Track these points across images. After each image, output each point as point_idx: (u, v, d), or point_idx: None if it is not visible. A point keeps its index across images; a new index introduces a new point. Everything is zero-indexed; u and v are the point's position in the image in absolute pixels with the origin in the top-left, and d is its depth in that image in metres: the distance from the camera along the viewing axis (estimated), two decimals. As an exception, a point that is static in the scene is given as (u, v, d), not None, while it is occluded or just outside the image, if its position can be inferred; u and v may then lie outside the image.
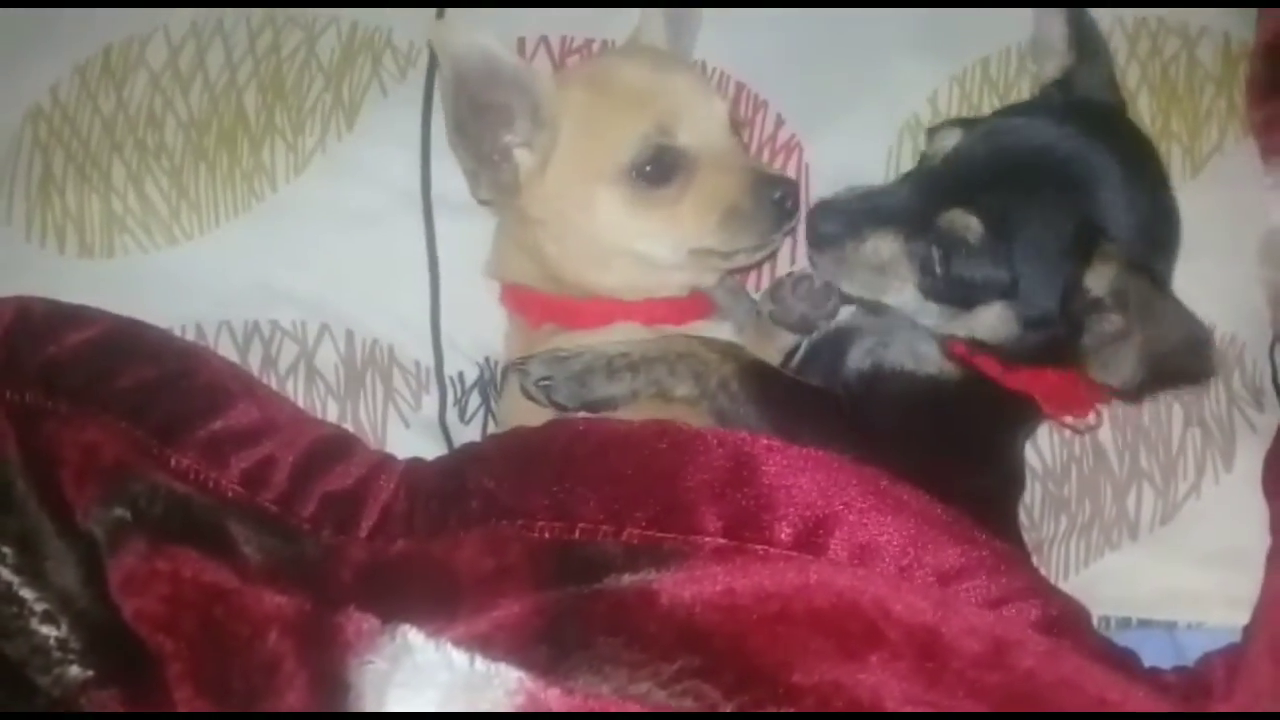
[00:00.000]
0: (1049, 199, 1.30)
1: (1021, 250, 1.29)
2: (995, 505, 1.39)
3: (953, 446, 1.35)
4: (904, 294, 1.38)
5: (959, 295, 1.34)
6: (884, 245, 1.35)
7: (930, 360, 1.40)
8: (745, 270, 1.57)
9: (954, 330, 1.39)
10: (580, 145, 1.41)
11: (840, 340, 1.47)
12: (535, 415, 1.38)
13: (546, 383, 1.37)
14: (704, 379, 1.35)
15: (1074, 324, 1.31)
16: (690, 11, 1.56)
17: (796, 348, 1.55)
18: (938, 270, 1.33)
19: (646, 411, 1.33)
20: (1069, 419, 1.47)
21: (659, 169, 1.39)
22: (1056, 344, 1.33)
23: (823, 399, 1.40)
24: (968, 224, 1.30)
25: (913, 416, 1.37)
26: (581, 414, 1.36)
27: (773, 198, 1.39)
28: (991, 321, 1.35)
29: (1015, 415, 1.43)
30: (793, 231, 1.48)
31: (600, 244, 1.43)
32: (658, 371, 1.35)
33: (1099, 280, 1.28)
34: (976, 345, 1.39)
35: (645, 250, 1.42)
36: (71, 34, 1.63)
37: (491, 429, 1.60)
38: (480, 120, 1.39)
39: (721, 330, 1.49)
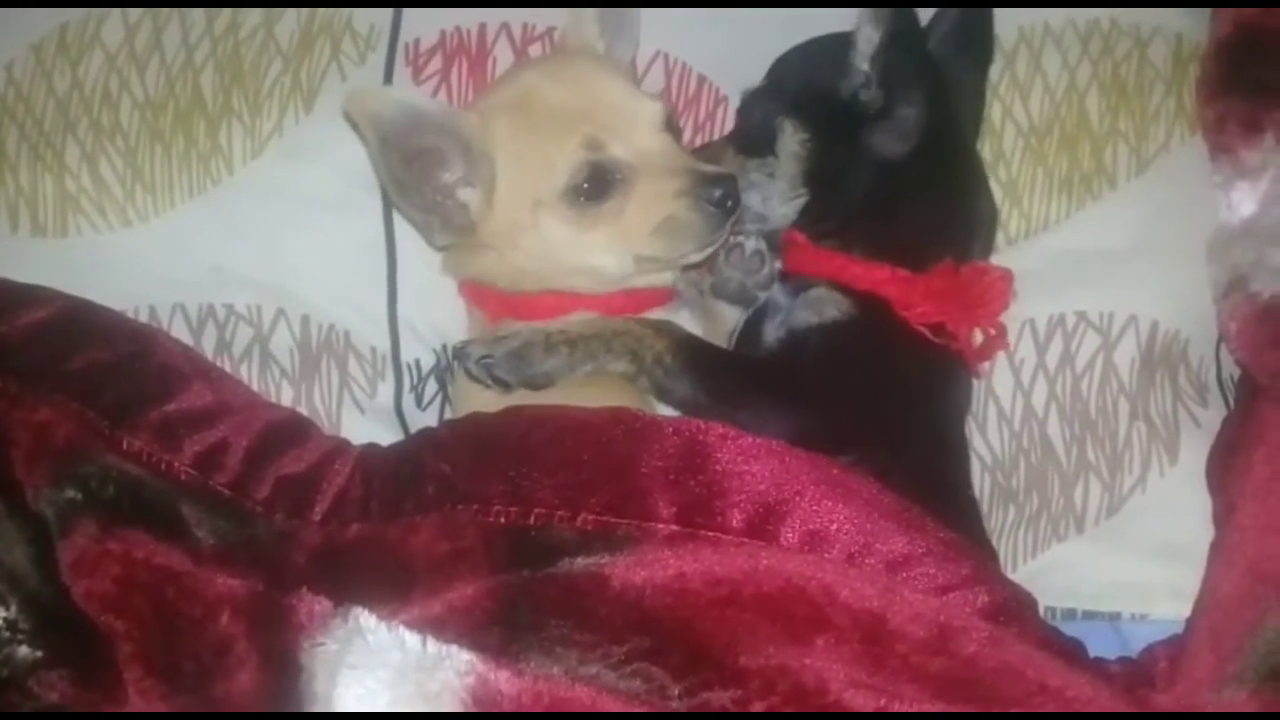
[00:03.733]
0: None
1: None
2: (939, 471, 1.43)
3: (877, 389, 1.39)
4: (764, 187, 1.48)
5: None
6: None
7: (829, 305, 1.43)
8: (699, 266, 1.56)
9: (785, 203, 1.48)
10: (517, 174, 1.41)
11: (757, 320, 1.50)
12: (487, 400, 1.39)
13: (487, 360, 1.39)
14: (639, 356, 1.38)
15: (855, 117, 1.44)
16: (626, 13, 1.55)
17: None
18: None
19: (588, 392, 1.36)
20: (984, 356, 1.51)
21: (596, 186, 1.39)
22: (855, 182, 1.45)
23: (754, 368, 1.44)
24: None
25: (831, 365, 1.40)
26: (522, 391, 1.38)
27: (712, 198, 1.38)
28: (794, 148, 1.46)
29: (931, 364, 1.45)
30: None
31: (554, 261, 1.44)
32: (594, 348, 1.39)
33: (863, 48, 1.40)
34: (813, 225, 1.47)
35: (597, 263, 1.43)
36: (27, 12, 1.61)
37: (448, 415, 1.60)
38: (414, 169, 1.38)
39: (679, 318, 1.50)
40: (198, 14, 1.60)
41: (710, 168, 1.43)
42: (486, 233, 1.44)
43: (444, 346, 1.60)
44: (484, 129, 1.41)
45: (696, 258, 1.47)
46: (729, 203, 1.39)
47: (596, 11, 1.52)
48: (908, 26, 1.42)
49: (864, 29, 1.41)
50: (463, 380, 1.47)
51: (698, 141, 1.63)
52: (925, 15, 1.53)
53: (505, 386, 1.39)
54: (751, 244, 1.50)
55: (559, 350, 1.38)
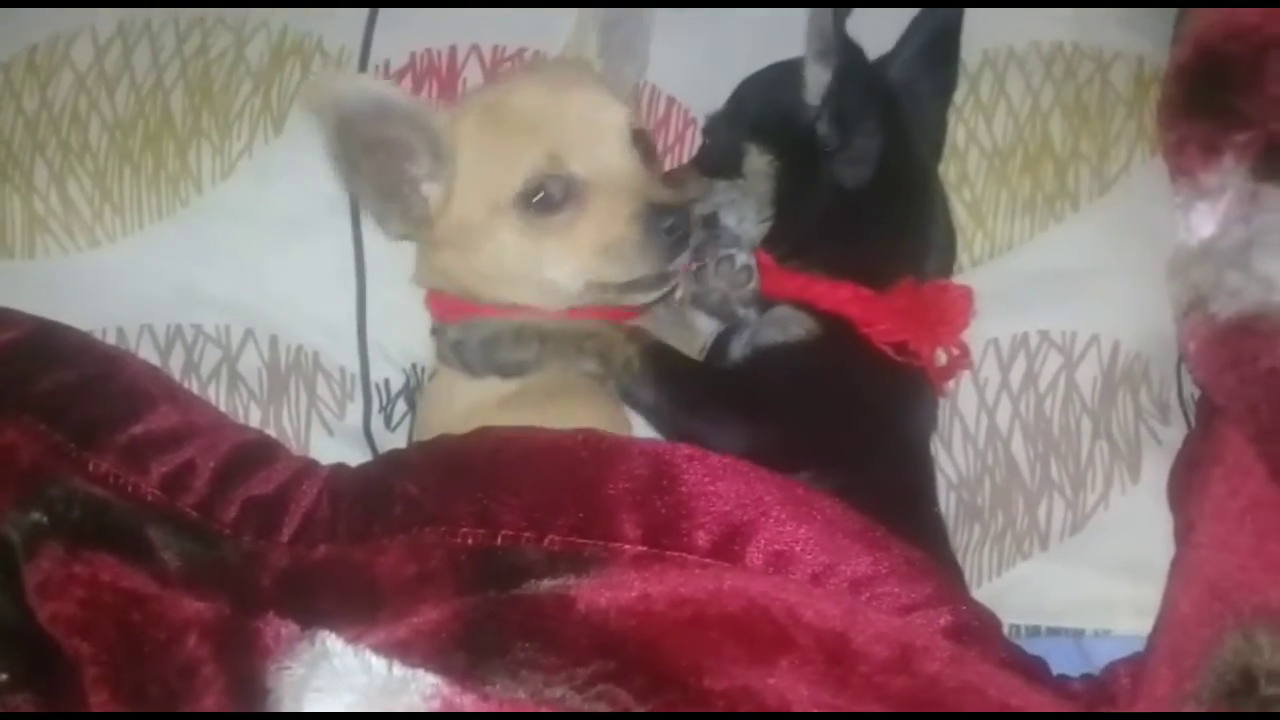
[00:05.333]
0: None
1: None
2: (904, 488, 1.44)
3: (840, 407, 1.40)
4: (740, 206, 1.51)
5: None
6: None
7: (794, 325, 1.44)
8: (649, 309, 1.54)
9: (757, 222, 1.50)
10: (477, 175, 1.42)
11: (725, 338, 1.52)
12: (448, 420, 1.40)
13: (459, 345, 1.42)
14: (608, 359, 1.40)
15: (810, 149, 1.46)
16: (633, 17, 1.55)
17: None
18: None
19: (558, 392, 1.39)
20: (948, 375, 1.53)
21: (550, 197, 1.39)
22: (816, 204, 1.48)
23: (719, 380, 1.46)
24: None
25: (794, 381, 1.42)
26: (492, 378, 1.42)
27: (661, 227, 1.38)
28: (761, 168, 1.49)
29: (895, 383, 1.46)
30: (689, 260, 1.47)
31: (506, 269, 1.44)
32: (565, 346, 1.41)
33: (813, 86, 1.43)
34: (777, 246, 1.49)
35: (548, 277, 1.44)
36: (-4, 33, 1.62)
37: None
38: (375, 157, 1.39)
39: (652, 328, 1.50)
40: (168, 35, 1.61)
41: (666, 195, 1.43)
42: (444, 228, 1.44)
43: (413, 367, 1.61)
44: (452, 126, 1.42)
45: (644, 297, 1.46)
46: (679, 233, 1.39)
47: (600, 29, 1.52)
48: (855, 61, 1.44)
49: (812, 68, 1.43)
50: (426, 399, 1.48)
51: (668, 164, 1.64)
52: (891, 37, 1.55)
53: (473, 371, 1.42)
54: (741, 258, 1.52)
55: (530, 344, 1.41)
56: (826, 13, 1.39)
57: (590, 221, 1.40)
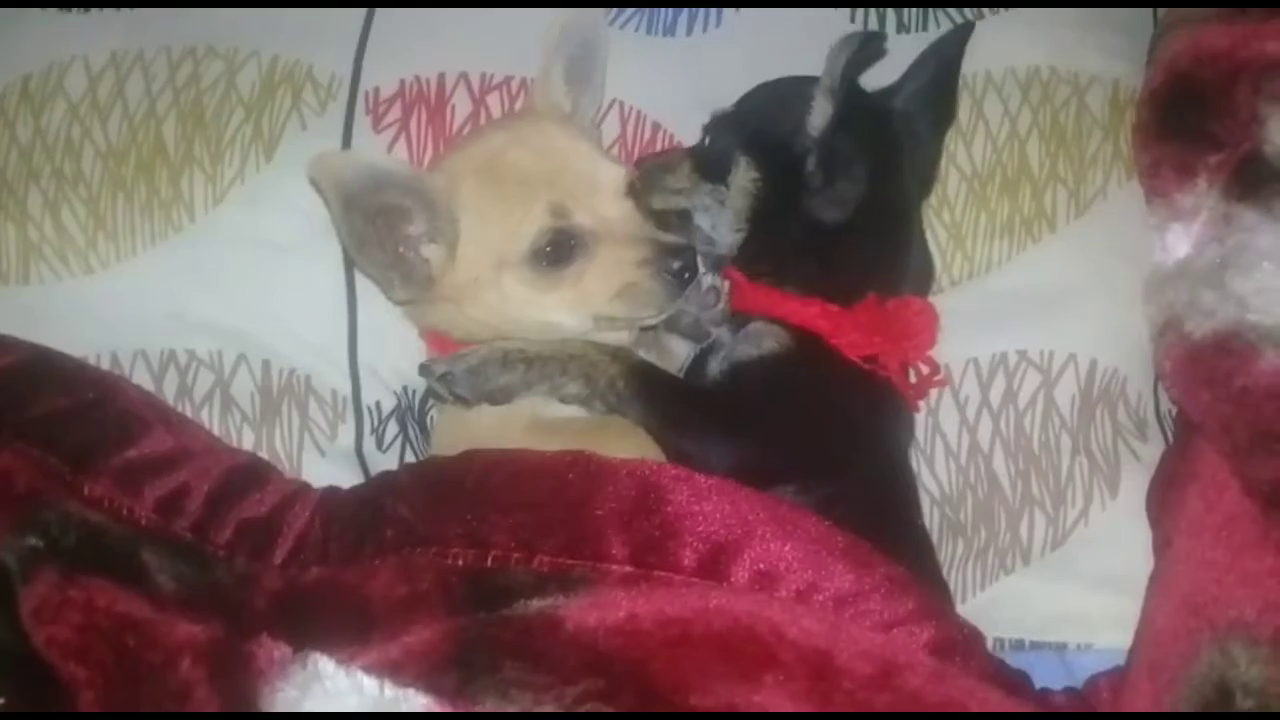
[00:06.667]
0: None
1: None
2: (887, 500, 1.46)
3: (819, 417, 1.43)
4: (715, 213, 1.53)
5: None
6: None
7: (767, 338, 1.47)
8: (654, 327, 1.58)
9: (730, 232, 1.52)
10: (482, 235, 1.45)
11: (703, 357, 1.54)
12: (474, 435, 1.42)
13: (448, 377, 1.44)
14: (593, 380, 1.42)
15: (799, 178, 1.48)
16: (593, 64, 1.59)
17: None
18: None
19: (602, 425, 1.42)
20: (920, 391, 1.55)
21: (558, 251, 1.44)
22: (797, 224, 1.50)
23: (702, 397, 1.49)
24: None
25: (773, 394, 1.45)
26: (484, 406, 1.44)
27: (671, 269, 1.43)
28: (745, 184, 1.50)
29: (870, 395, 1.48)
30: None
31: (512, 317, 1.48)
32: (550, 369, 1.43)
33: (816, 120, 1.44)
34: (749, 263, 1.52)
35: (555, 320, 1.47)
36: (-12, 62, 1.63)
37: (409, 458, 1.62)
38: (376, 225, 1.42)
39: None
40: (160, 64, 1.63)
41: (670, 238, 1.48)
42: (447, 286, 1.47)
43: (404, 389, 1.63)
44: (450, 189, 1.45)
45: (653, 321, 1.51)
46: (686, 274, 1.44)
47: (563, 65, 1.55)
48: (856, 108, 1.46)
49: (818, 100, 1.45)
50: (444, 420, 1.51)
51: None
52: (902, 64, 1.58)
53: (465, 402, 1.44)
54: (708, 280, 1.55)
55: (515, 368, 1.43)
56: (843, 53, 1.40)
57: (600, 268, 1.45)
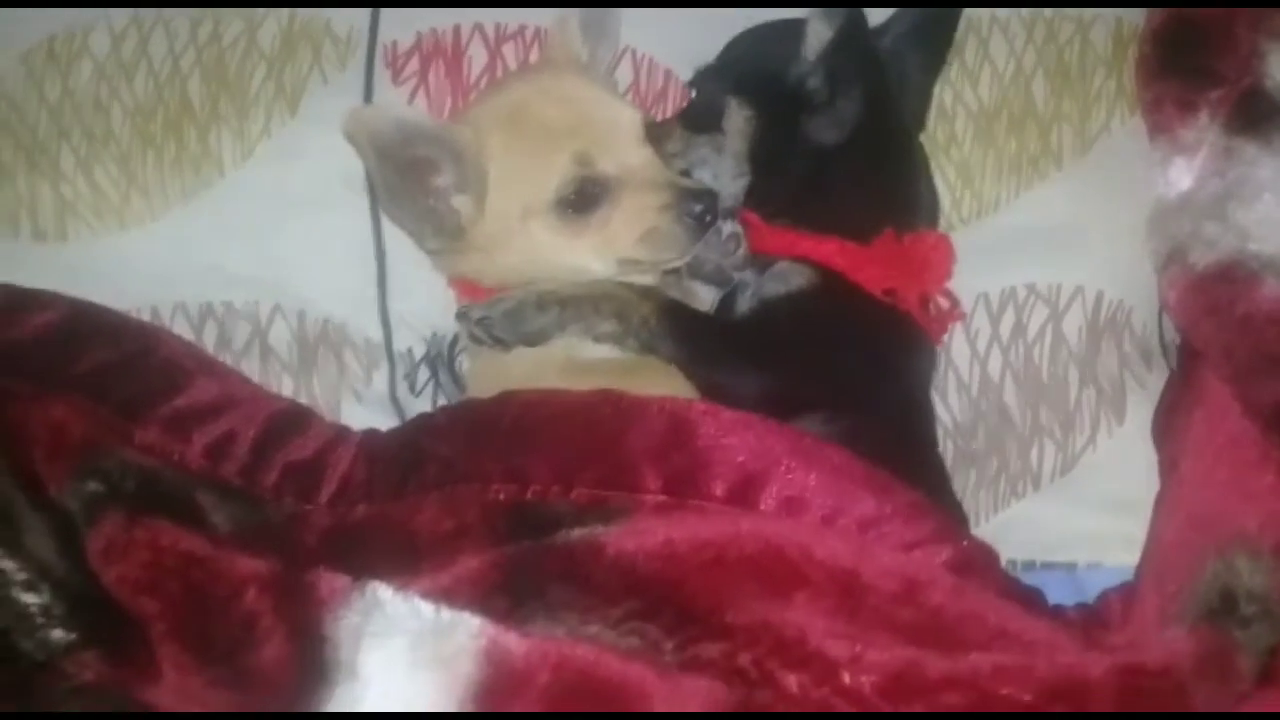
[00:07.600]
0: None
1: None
2: (907, 430, 1.52)
3: (846, 350, 1.48)
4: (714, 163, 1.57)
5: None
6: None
7: (795, 276, 1.52)
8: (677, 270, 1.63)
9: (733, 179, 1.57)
10: (509, 185, 1.48)
11: (730, 298, 1.59)
12: (515, 375, 1.46)
13: (486, 320, 1.49)
14: (626, 317, 1.47)
15: (797, 101, 1.52)
16: (608, 14, 1.62)
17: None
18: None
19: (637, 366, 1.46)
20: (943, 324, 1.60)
21: (584, 199, 1.47)
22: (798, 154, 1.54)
23: (732, 331, 1.54)
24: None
25: (802, 327, 1.50)
26: (520, 349, 1.48)
27: (693, 212, 1.47)
28: (740, 125, 1.54)
29: (894, 329, 1.53)
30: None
31: (540, 263, 1.52)
32: (584, 309, 1.47)
33: (813, 42, 1.49)
34: (763, 205, 1.56)
35: (582, 265, 1.52)
36: (13, 24, 1.65)
37: (441, 401, 1.67)
38: (408, 177, 1.46)
39: None
40: (182, 23, 1.65)
41: (691, 182, 1.52)
42: (477, 235, 1.51)
43: (434, 334, 1.67)
44: (477, 141, 1.48)
45: (677, 263, 1.55)
46: (708, 217, 1.47)
47: (579, 15, 1.58)
48: (857, 27, 1.50)
49: (815, 24, 1.49)
50: (480, 364, 1.55)
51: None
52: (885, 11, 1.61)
53: (504, 344, 1.48)
54: (728, 227, 1.58)
55: (550, 309, 1.47)
56: None
57: (625, 215, 1.48)
